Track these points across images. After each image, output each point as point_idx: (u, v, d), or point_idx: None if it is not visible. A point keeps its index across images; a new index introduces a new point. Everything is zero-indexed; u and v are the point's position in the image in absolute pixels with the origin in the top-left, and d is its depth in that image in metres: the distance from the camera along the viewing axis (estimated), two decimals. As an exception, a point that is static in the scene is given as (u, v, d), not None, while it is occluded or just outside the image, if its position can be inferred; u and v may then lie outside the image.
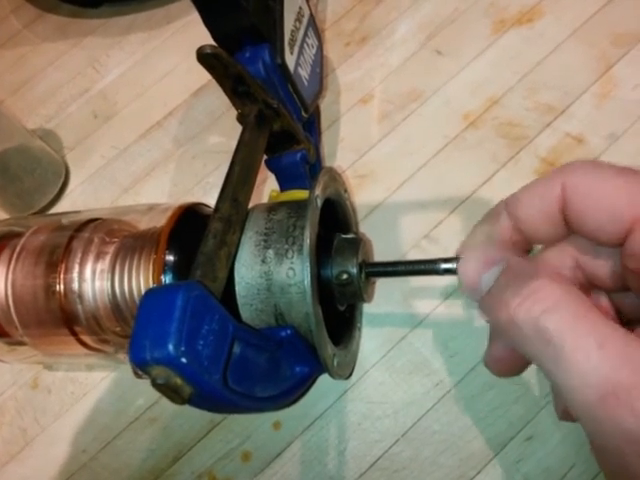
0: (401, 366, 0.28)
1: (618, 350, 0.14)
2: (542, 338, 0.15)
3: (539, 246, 0.20)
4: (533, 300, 0.15)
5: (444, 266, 0.20)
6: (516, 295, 0.15)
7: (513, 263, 0.17)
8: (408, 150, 0.34)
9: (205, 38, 0.25)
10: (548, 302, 0.15)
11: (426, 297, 0.29)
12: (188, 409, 0.18)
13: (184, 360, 0.15)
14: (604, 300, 0.19)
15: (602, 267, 0.18)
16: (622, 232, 0.16)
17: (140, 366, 0.16)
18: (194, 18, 0.44)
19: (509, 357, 0.20)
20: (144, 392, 0.30)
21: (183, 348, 0.15)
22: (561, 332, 0.14)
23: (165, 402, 0.16)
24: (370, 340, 0.29)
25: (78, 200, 0.39)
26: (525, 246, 0.19)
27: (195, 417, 0.29)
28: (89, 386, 0.31)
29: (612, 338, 0.14)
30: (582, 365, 0.14)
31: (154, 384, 0.16)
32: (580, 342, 0.14)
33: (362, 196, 0.33)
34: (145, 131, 0.40)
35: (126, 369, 0.30)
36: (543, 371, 0.15)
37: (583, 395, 0.14)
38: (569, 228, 0.18)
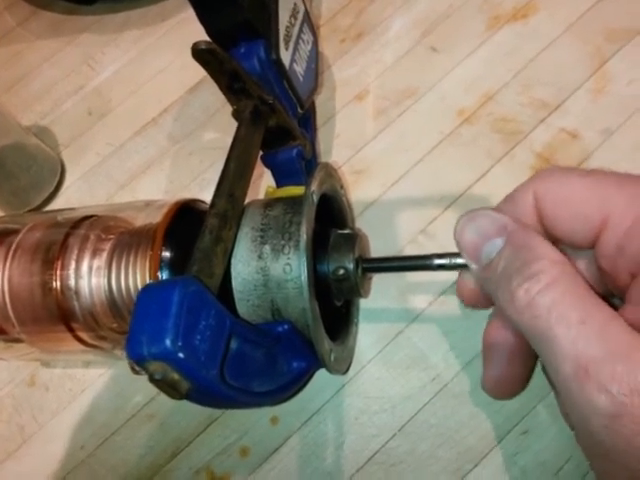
0: (398, 361, 0.28)
1: (597, 327, 0.14)
2: (533, 313, 0.15)
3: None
4: (533, 281, 0.16)
5: (437, 262, 0.21)
6: (517, 275, 0.16)
7: (514, 235, 0.17)
8: (403, 146, 0.34)
9: (200, 35, 0.25)
10: (544, 281, 0.15)
11: (423, 292, 0.29)
12: (186, 405, 0.18)
13: (181, 355, 0.15)
14: None
15: (584, 272, 0.19)
16: (593, 234, 0.17)
17: (137, 361, 0.16)
18: (189, 15, 0.44)
19: (505, 377, 0.20)
20: (142, 388, 0.30)
21: (180, 343, 0.15)
22: (549, 307, 0.15)
23: (163, 398, 0.16)
24: (367, 335, 0.29)
25: (74, 197, 0.38)
26: None
27: (193, 413, 0.29)
28: (87, 383, 0.31)
29: (595, 315, 0.15)
30: (562, 339, 0.14)
31: (151, 379, 0.16)
32: (564, 316, 0.15)
33: (358, 192, 0.33)
34: (140, 128, 0.40)
35: (123, 366, 0.30)
36: (534, 347, 0.16)
37: (561, 368, 0.15)
38: (547, 235, 0.18)
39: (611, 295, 0.18)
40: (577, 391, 0.14)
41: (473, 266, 0.18)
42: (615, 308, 0.15)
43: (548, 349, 0.15)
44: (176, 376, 0.16)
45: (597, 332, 0.14)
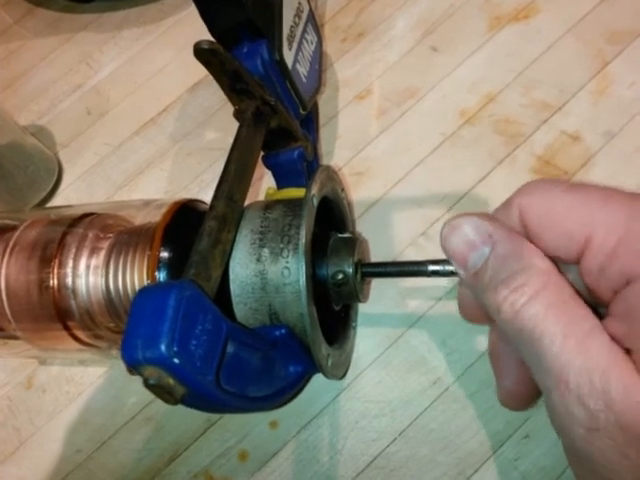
0: (398, 364, 0.28)
1: (579, 340, 0.15)
2: (518, 326, 0.16)
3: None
4: (518, 294, 0.16)
5: (431, 268, 0.20)
6: (503, 287, 0.16)
7: (500, 244, 0.17)
8: (405, 147, 0.34)
9: (200, 33, 0.24)
10: (528, 294, 0.16)
11: (423, 295, 0.29)
12: (184, 408, 0.18)
13: (176, 361, 0.15)
14: None
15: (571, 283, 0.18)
16: (577, 252, 0.17)
17: (132, 366, 0.16)
18: (188, 13, 0.44)
19: (518, 387, 0.20)
20: (139, 391, 0.30)
21: (175, 348, 0.15)
22: (533, 321, 0.15)
23: (161, 401, 0.16)
24: (367, 338, 0.29)
25: (71, 197, 0.38)
26: None
27: (191, 416, 0.29)
28: (84, 385, 0.31)
29: (577, 329, 0.15)
30: (546, 353, 0.15)
31: (146, 384, 0.15)
32: (547, 331, 0.15)
33: (359, 193, 0.33)
34: (139, 128, 0.39)
35: (121, 368, 0.30)
36: (522, 357, 0.16)
37: (545, 380, 0.15)
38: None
39: (597, 304, 0.18)
40: (558, 402, 0.15)
41: (461, 272, 0.18)
42: (600, 316, 0.16)
43: (533, 361, 0.15)
44: (171, 381, 0.16)
45: (578, 346, 0.14)
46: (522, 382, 0.20)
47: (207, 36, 0.25)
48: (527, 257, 0.17)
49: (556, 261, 0.17)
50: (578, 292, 0.16)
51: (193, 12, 0.25)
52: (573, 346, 0.14)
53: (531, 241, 0.17)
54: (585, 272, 0.17)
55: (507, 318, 0.16)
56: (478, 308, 0.20)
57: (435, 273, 0.20)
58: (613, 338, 0.15)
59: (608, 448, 0.14)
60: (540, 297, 0.15)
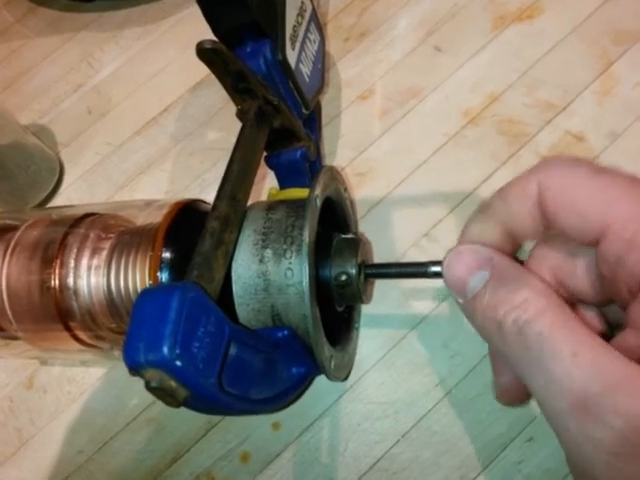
0: (401, 366, 0.28)
1: (591, 360, 0.14)
2: (523, 344, 0.15)
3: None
4: (520, 310, 0.15)
5: (433, 269, 0.20)
6: (504, 303, 0.16)
7: (500, 268, 0.17)
8: (408, 147, 0.34)
9: (201, 33, 0.24)
10: (532, 311, 0.15)
11: (426, 297, 0.29)
12: (186, 410, 0.17)
13: (179, 363, 0.15)
14: (591, 314, 0.19)
15: (581, 282, 0.18)
16: (595, 237, 0.16)
17: (134, 368, 0.15)
18: (190, 12, 0.44)
19: (515, 384, 0.20)
20: (141, 392, 0.29)
21: (178, 351, 0.15)
22: (539, 339, 0.15)
23: (162, 403, 0.16)
24: (370, 340, 0.29)
25: (72, 197, 0.38)
26: (514, 244, 0.19)
27: (193, 417, 0.29)
28: (85, 386, 0.31)
29: (586, 348, 0.14)
30: (556, 372, 0.14)
31: (148, 387, 0.15)
32: (555, 349, 0.14)
33: (361, 194, 0.33)
34: (141, 127, 0.39)
35: (122, 368, 0.30)
36: (521, 376, 0.15)
37: (556, 402, 0.14)
38: (547, 224, 0.18)
39: (611, 302, 0.18)
40: (575, 426, 0.14)
41: (460, 301, 0.18)
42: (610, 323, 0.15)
43: (540, 383, 0.14)
44: (173, 384, 0.15)
45: (592, 364, 0.14)
46: (519, 380, 0.20)
47: (209, 35, 0.25)
48: (526, 278, 0.16)
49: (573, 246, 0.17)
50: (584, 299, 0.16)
51: (194, 11, 0.25)
52: (587, 364, 0.14)
53: (547, 220, 0.17)
54: (602, 259, 0.16)
55: (510, 335, 0.15)
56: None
57: (437, 274, 0.20)
58: (629, 349, 0.14)
59: (639, 472, 0.13)
60: (544, 314, 0.15)
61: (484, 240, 0.19)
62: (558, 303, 0.16)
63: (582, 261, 0.18)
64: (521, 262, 0.19)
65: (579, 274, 0.18)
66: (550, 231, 0.18)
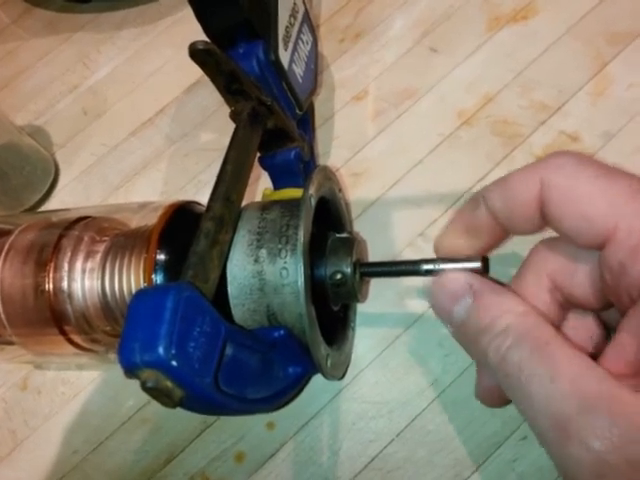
0: (396, 365, 0.28)
1: (569, 382, 0.14)
2: (505, 372, 0.15)
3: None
4: (500, 339, 0.16)
5: (425, 267, 0.20)
6: (486, 333, 0.16)
7: (480, 295, 0.18)
8: (402, 148, 0.34)
9: (197, 34, 0.24)
10: (511, 339, 0.16)
11: (421, 296, 0.29)
12: (181, 410, 0.17)
13: (174, 363, 0.15)
14: (589, 320, 0.19)
15: (580, 287, 0.18)
16: (598, 242, 0.16)
17: (130, 369, 0.15)
18: (186, 14, 0.44)
19: (498, 386, 0.20)
20: (135, 393, 0.29)
21: (174, 351, 0.15)
22: (519, 365, 0.15)
23: (157, 403, 0.16)
24: (365, 339, 0.29)
25: (68, 198, 0.38)
26: (503, 235, 0.19)
27: (188, 418, 0.28)
28: (80, 387, 0.31)
29: (566, 368, 0.14)
30: (536, 397, 0.14)
31: (144, 387, 0.15)
32: (535, 376, 0.15)
33: (356, 194, 0.33)
34: (136, 128, 0.39)
35: (117, 369, 0.30)
36: (511, 399, 0.16)
37: (539, 424, 0.14)
38: (546, 223, 0.18)
39: (610, 306, 0.18)
40: (557, 447, 0.14)
41: (449, 328, 0.19)
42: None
43: (524, 405, 0.15)
44: (169, 384, 0.15)
45: (570, 387, 0.14)
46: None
47: (205, 36, 0.25)
48: (506, 302, 0.17)
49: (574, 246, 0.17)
50: (560, 331, 0.16)
51: (190, 12, 0.25)
52: (566, 387, 0.14)
53: (548, 220, 0.17)
54: (605, 265, 0.16)
55: (493, 363, 0.16)
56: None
57: (429, 272, 0.20)
58: (625, 357, 0.14)
59: None
60: (524, 340, 0.15)
61: (471, 243, 0.19)
62: (538, 325, 0.16)
63: (582, 265, 0.18)
64: (501, 284, 0.19)
65: (578, 278, 0.18)
66: (544, 228, 0.18)
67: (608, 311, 0.19)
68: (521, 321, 0.16)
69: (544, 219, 0.17)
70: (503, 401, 0.21)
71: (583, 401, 0.13)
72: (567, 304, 0.19)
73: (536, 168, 0.17)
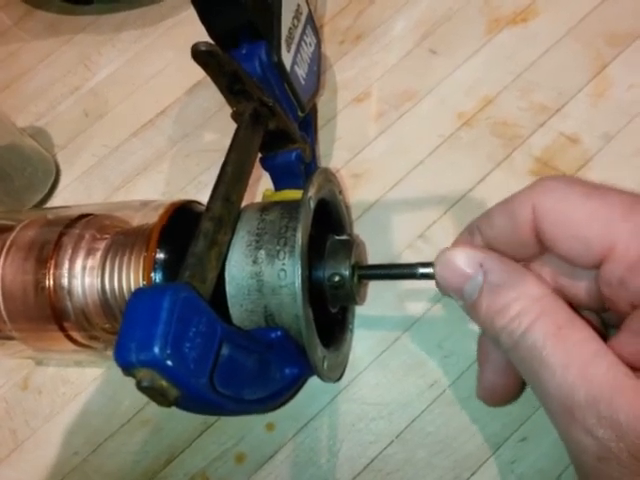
0: (395, 367, 0.28)
1: (580, 369, 0.14)
2: (518, 356, 0.16)
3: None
4: (515, 324, 0.16)
5: (421, 270, 0.21)
6: (499, 316, 0.16)
7: (493, 273, 0.17)
8: (403, 149, 0.34)
9: (198, 35, 0.24)
10: (525, 323, 0.16)
11: (420, 298, 0.29)
12: (181, 411, 0.17)
13: (170, 363, 0.15)
14: (590, 319, 0.19)
15: (581, 289, 0.18)
16: (594, 261, 0.16)
17: (125, 368, 0.16)
18: (187, 15, 0.44)
19: (499, 385, 0.20)
20: (136, 394, 0.29)
21: (169, 351, 0.15)
22: (532, 351, 0.15)
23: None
24: (364, 341, 0.29)
25: (69, 199, 0.38)
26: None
27: (188, 419, 0.29)
28: (80, 387, 0.31)
29: (577, 356, 0.15)
30: (547, 382, 0.15)
31: (139, 386, 0.15)
32: (548, 362, 0.15)
33: (357, 195, 0.33)
34: (137, 129, 0.39)
35: (117, 369, 0.30)
36: (527, 382, 0.16)
37: (549, 407, 0.15)
38: (543, 248, 0.18)
39: (609, 309, 0.18)
40: (565, 430, 0.15)
41: (460, 302, 0.19)
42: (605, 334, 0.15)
43: (535, 387, 0.15)
44: (164, 383, 0.15)
45: (580, 375, 0.14)
46: (504, 382, 0.20)
47: (206, 37, 0.25)
48: (520, 284, 0.17)
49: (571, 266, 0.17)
50: (577, 311, 0.16)
51: (191, 14, 0.25)
52: (575, 376, 0.14)
53: (545, 244, 0.17)
54: (604, 282, 0.16)
55: (507, 348, 0.16)
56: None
57: (425, 276, 0.20)
58: (622, 355, 0.15)
59: (621, 476, 0.14)
60: (537, 326, 0.15)
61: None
62: (553, 307, 0.16)
63: (580, 281, 0.18)
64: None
65: (577, 290, 0.18)
66: (544, 253, 0.18)
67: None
68: (534, 306, 0.16)
69: (541, 244, 0.17)
70: (504, 400, 0.21)
71: (591, 389, 0.14)
72: (569, 304, 0.19)
73: (527, 195, 0.17)
